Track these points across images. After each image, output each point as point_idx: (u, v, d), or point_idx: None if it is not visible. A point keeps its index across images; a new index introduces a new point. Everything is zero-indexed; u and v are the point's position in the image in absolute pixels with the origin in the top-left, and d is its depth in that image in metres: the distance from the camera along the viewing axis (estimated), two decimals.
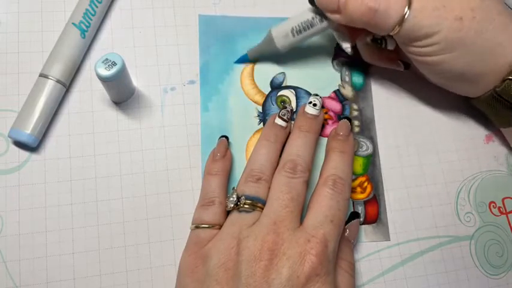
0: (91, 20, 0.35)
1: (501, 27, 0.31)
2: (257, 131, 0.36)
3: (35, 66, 0.35)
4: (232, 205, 0.30)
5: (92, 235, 0.32)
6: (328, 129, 0.37)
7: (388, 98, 0.39)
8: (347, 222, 0.33)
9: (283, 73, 0.38)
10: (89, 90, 0.35)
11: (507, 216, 0.37)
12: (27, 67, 0.35)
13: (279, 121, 0.34)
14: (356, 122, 0.38)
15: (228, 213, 0.31)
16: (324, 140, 0.37)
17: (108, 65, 0.30)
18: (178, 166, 0.35)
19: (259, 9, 0.39)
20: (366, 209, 0.36)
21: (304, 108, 0.34)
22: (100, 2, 0.36)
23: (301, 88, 0.38)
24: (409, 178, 0.37)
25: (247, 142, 0.36)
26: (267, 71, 0.38)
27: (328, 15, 0.33)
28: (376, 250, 0.35)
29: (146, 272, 0.32)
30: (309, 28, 0.34)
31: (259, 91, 0.37)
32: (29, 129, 0.32)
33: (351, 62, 0.39)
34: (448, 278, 0.35)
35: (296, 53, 0.39)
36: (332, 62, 0.39)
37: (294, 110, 0.37)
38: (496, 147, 0.39)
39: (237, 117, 0.37)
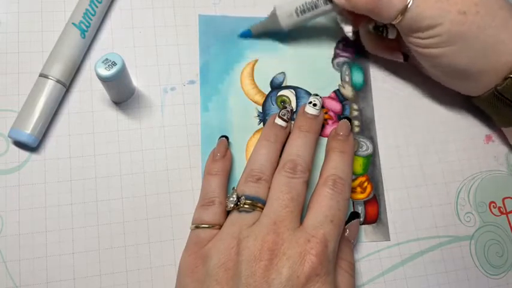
0: (91, 20, 0.35)
1: (503, 24, 0.31)
2: (257, 131, 0.36)
3: (35, 66, 0.35)
4: (232, 205, 0.30)
5: (92, 235, 0.32)
6: (328, 129, 0.37)
7: (388, 98, 0.39)
8: (347, 222, 0.33)
9: (283, 73, 0.38)
10: (89, 90, 0.35)
11: (507, 216, 0.37)
12: (27, 67, 0.35)
13: (279, 121, 0.34)
14: (356, 122, 0.38)
15: (228, 213, 0.31)
16: (324, 140, 0.37)
17: (108, 65, 0.30)
18: (178, 166, 0.35)
19: (259, 9, 0.39)
20: (366, 209, 0.36)
21: (304, 108, 0.34)
22: (100, 2, 0.36)
23: (301, 88, 0.38)
24: (409, 178, 0.37)
25: (247, 142, 0.36)
26: (267, 71, 0.38)
27: None
28: (376, 250, 0.35)
29: (146, 272, 0.32)
30: (313, 9, 0.34)
31: (259, 91, 0.37)
32: (29, 129, 0.32)
33: (351, 62, 0.39)
34: (448, 278, 0.35)
35: (296, 53, 0.39)
36: (332, 62, 0.39)
37: (294, 110, 0.37)
38: (496, 147, 0.39)
39: (237, 117, 0.37)
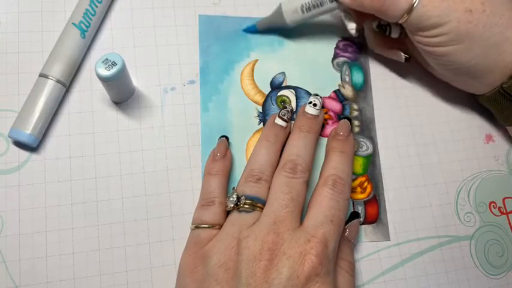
0: (91, 20, 0.35)
1: (509, 22, 0.31)
2: (257, 131, 0.36)
3: (35, 66, 0.35)
4: (232, 205, 0.30)
5: (92, 235, 0.32)
6: (328, 129, 0.37)
7: (388, 98, 0.39)
8: (347, 222, 0.33)
9: (283, 73, 0.38)
10: (89, 90, 0.35)
11: (507, 216, 0.37)
12: (27, 67, 0.35)
13: (279, 121, 0.34)
14: (356, 122, 0.38)
15: (228, 213, 0.31)
16: (324, 140, 0.37)
17: (108, 65, 0.30)
18: (178, 166, 0.35)
19: (259, 9, 0.39)
20: (366, 209, 0.36)
21: (304, 108, 0.34)
22: (100, 2, 0.36)
23: (301, 88, 0.38)
24: (409, 178, 0.37)
25: (247, 142, 0.36)
26: (267, 71, 0.38)
27: None
28: (376, 250, 0.35)
29: (146, 272, 0.32)
30: (318, 6, 0.35)
31: (259, 91, 0.37)
32: (29, 129, 0.32)
33: (351, 62, 0.39)
34: (448, 278, 0.35)
35: (296, 53, 0.39)
36: (332, 62, 0.39)
37: (294, 110, 0.37)
38: (496, 147, 0.39)
39: (237, 117, 0.37)
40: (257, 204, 0.30)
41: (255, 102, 0.37)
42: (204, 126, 0.36)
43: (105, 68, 0.30)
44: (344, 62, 0.39)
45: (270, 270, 0.26)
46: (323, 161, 0.33)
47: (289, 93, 0.38)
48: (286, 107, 0.35)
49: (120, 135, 0.35)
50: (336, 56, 0.39)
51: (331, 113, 0.38)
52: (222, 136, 0.35)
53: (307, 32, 0.39)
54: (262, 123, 0.37)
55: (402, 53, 0.37)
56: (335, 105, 0.38)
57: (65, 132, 0.34)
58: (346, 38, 0.40)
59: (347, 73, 0.39)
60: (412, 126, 0.38)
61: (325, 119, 0.37)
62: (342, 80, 0.39)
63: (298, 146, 0.32)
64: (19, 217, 0.32)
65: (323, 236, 0.28)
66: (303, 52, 0.39)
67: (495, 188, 0.38)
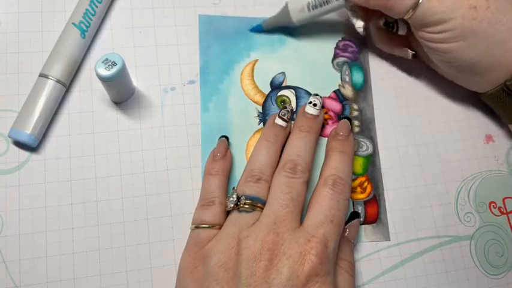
0: (91, 20, 0.35)
1: None
2: (257, 131, 0.36)
3: (35, 66, 0.35)
4: (232, 205, 0.30)
5: (92, 235, 0.32)
6: (328, 129, 0.37)
7: (388, 98, 0.39)
8: (347, 222, 0.33)
9: (283, 73, 0.38)
10: (89, 90, 0.35)
11: (507, 216, 0.37)
12: (27, 67, 0.35)
13: (279, 121, 0.34)
14: (356, 122, 0.38)
15: (228, 213, 0.31)
16: (324, 140, 0.37)
17: (108, 65, 0.30)
18: (178, 166, 0.35)
19: (259, 9, 0.39)
20: (366, 209, 0.36)
21: (304, 108, 0.34)
22: (100, 2, 0.36)
23: (301, 88, 0.38)
24: (409, 178, 0.37)
25: (247, 142, 0.36)
26: (267, 71, 0.38)
27: None
28: (376, 250, 0.35)
29: (146, 272, 0.32)
30: (324, 4, 0.35)
31: (259, 91, 0.37)
32: (29, 129, 0.32)
33: (351, 62, 0.39)
34: (448, 278, 0.35)
35: (296, 53, 0.39)
36: (332, 62, 0.39)
37: (294, 110, 0.37)
38: (496, 147, 0.39)
39: (237, 117, 0.37)
40: (257, 204, 0.30)
41: (255, 102, 0.37)
42: (204, 126, 0.36)
43: (105, 68, 0.30)
44: (344, 62, 0.39)
45: (270, 270, 0.26)
46: (323, 161, 0.33)
47: (289, 93, 0.38)
48: (286, 107, 0.35)
49: (120, 135, 0.35)
50: (336, 56, 0.39)
51: (331, 113, 0.38)
52: (222, 136, 0.35)
53: (307, 32, 0.39)
54: (262, 123, 0.37)
55: (409, 50, 0.37)
56: (335, 105, 0.38)
57: (65, 132, 0.34)
58: (346, 38, 0.40)
59: (347, 73, 0.39)
60: (412, 126, 0.38)
61: (325, 119, 0.37)
62: (342, 80, 0.39)
63: (298, 146, 0.32)
64: (19, 217, 0.32)
65: (323, 236, 0.28)
66: (303, 52, 0.39)
67: (495, 188, 0.38)
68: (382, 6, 0.33)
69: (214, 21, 0.39)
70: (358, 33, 0.36)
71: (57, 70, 0.33)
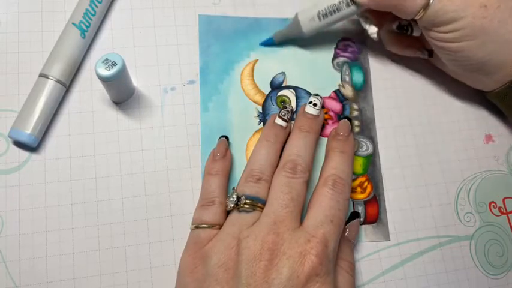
0: (91, 20, 0.35)
1: None
2: (257, 131, 0.36)
3: (35, 66, 0.35)
4: (232, 205, 0.30)
5: (92, 235, 0.32)
6: (328, 129, 0.37)
7: (388, 98, 0.39)
8: (347, 222, 0.33)
9: (283, 73, 0.38)
10: (89, 90, 0.35)
11: (507, 216, 0.37)
12: (27, 67, 0.35)
13: (279, 121, 0.34)
14: (356, 122, 0.38)
15: (228, 213, 0.31)
16: (324, 140, 0.37)
17: (108, 65, 0.30)
18: (178, 166, 0.35)
19: (259, 9, 0.39)
20: (366, 209, 0.36)
21: (304, 108, 0.34)
22: (100, 2, 0.36)
23: (301, 88, 0.38)
24: (409, 178, 0.37)
25: (247, 142, 0.36)
26: (267, 71, 0.38)
27: None
28: (376, 250, 0.35)
29: (146, 272, 0.32)
30: (335, 12, 0.35)
31: (259, 91, 0.37)
32: (29, 129, 0.32)
33: (351, 62, 0.39)
34: (448, 278, 0.35)
35: (296, 53, 0.39)
36: (332, 62, 0.39)
37: (294, 110, 0.37)
38: (496, 147, 0.39)
39: (237, 117, 0.37)
40: (257, 204, 0.30)
41: (255, 102, 0.37)
42: (204, 126, 0.36)
43: (105, 68, 0.30)
44: (344, 62, 0.39)
45: (270, 270, 0.26)
46: (323, 161, 0.33)
47: (289, 93, 0.38)
48: (286, 107, 0.35)
49: (120, 135, 0.35)
50: (336, 56, 0.39)
51: (331, 113, 0.38)
52: (222, 136, 0.35)
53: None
54: (262, 123, 0.37)
55: (425, 49, 0.37)
56: (335, 105, 0.38)
57: (65, 132, 0.34)
58: (346, 38, 0.40)
59: (347, 73, 0.39)
60: (412, 126, 0.38)
61: (325, 119, 0.37)
62: (342, 80, 0.39)
63: (298, 146, 0.32)
64: (19, 217, 0.32)
65: (323, 236, 0.28)
66: (303, 52, 0.39)
67: (495, 188, 0.38)
68: (393, 8, 0.33)
69: (214, 21, 0.39)
70: (373, 39, 0.36)
71: (57, 70, 0.33)
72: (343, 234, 0.32)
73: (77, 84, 0.35)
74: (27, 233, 0.32)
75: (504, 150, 0.39)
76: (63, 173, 0.33)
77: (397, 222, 0.36)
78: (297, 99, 0.38)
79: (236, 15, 0.39)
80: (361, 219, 0.35)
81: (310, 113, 0.34)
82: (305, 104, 0.35)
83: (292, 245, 0.27)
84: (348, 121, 0.35)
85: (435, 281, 0.35)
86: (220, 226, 0.30)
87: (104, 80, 0.31)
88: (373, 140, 0.38)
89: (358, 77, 0.39)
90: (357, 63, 0.39)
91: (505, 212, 0.37)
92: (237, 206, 0.30)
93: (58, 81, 0.33)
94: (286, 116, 0.34)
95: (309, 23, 0.36)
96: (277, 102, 0.37)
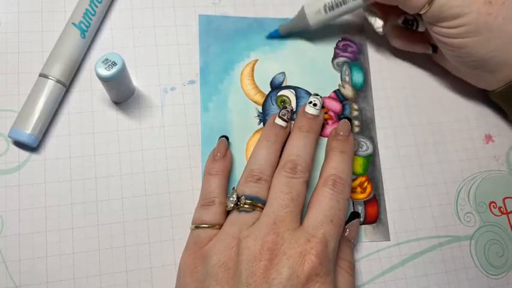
0: (91, 20, 0.35)
1: None
2: (257, 131, 0.36)
3: (35, 66, 0.35)
4: (232, 205, 0.30)
5: (92, 235, 0.32)
6: (328, 129, 0.37)
7: (388, 98, 0.39)
8: (347, 222, 0.33)
9: (283, 73, 0.38)
10: (89, 90, 0.35)
11: (507, 216, 0.37)
12: (27, 67, 0.35)
13: (279, 121, 0.34)
14: (356, 122, 0.38)
15: (228, 213, 0.31)
16: (324, 140, 0.37)
17: (108, 65, 0.30)
18: (178, 166, 0.35)
19: (259, 9, 0.39)
20: (366, 209, 0.36)
21: (304, 108, 0.34)
22: (100, 2, 0.36)
23: (301, 88, 0.38)
24: (409, 178, 0.37)
25: (247, 142, 0.36)
26: (267, 71, 0.38)
27: None
28: (376, 250, 0.35)
29: (146, 272, 0.32)
30: (341, 5, 0.35)
31: (259, 91, 0.37)
32: (29, 129, 0.32)
33: (351, 62, 0.39)
34: (448, 278, 0.35)
35: (296, 53, 0.39)
36: (332, 62, 0.39)
37: (294, 110, 0.37)
38: (496, 147, 0.39)
39: (237, 117, 0.37)
40: (257, 204, 0.30)
41: (255, 102, 0.37)
42: (204, 126, 0.36)
43: (105, 68, 0.30)
44: (344, 62, 0.39)
45: (270, 270, 0.26)
46: (323, 161, 0.33)
47: (289, 93, 0.38)
48: (286, 107, 0.35)
49: (120, 135, 0.35)
50: (336, 56, 0.39)
51: (331, 113, 0.38)
52: (222, 136, 0.35)
53: (307, 33, 0.39)
54: (262, 123, 0.37)
55: (429, 44, 0.37)
56: (335, 105, 0.38)
57: (65, 132, 0.34)
58: (346, 38, 0.40)
59: (347, 73, 0.39)
60: (412, 126, 0.38)
61: (325, 119, 0.37)
62: (342, 80, 0.39)
63: (298, 146, 0.32)
64: (19, 217, 0.32)
65: (323, 236, 0.28)
66: (303, 52, 0.39)
67: (495, 188, 0.38)
68: (399, 2, 0.33)
69: (214, 21, 0.39)
70: (379, 33, 0.36)
71: (57, 70, 0.33)
72: (343, 234, 0.32)
73: (77, 84, 0.35)
74: (27, 233, 0.32)
75: (504, 150, 0.39)
76: (63, 173, 0.33)
77: (397, 222, 0.36)
78: (297, 99, 0.38)
79: (236, 15, 0.39)
80: (361, 219, 0.35)
81: (310, 113, 0.34)
82: (305, 104, 0.35)
83: (292, 245, 0.27)
84: (348, 121, 0.35)
85: (435, 281, 0.35)
86: (220, 226, 0.30)
87: (104, 80, 0.31)
88: (373, 140, 0.38)
89: (358, 77, 0.39)
90: (357, 63, 0.39)
91: (505, 212, 0.37)
92: (237, 206, 0.30)
93: (58, 81, 0.33)
94: (286, 116, 0.34)
95: (315, 16, 0.36)
96: (277, 102, 0.37)
